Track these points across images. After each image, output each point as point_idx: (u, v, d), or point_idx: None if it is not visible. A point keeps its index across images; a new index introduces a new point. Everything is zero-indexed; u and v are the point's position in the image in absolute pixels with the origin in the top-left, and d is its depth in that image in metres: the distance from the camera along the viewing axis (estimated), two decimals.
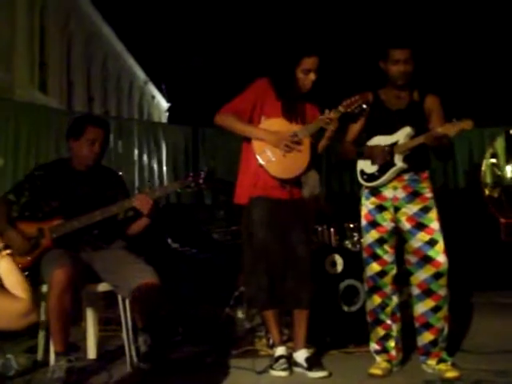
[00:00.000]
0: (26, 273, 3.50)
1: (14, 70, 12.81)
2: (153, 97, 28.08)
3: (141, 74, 25.72)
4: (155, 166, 7.36)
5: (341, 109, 3.59)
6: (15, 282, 1.85)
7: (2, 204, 3.67)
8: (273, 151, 3.59)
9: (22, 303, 1.81)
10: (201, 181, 3.65)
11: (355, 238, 4.93)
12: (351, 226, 4.96)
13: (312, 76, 3.63)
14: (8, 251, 1.88)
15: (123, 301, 3.59)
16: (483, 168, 7.24)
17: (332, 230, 4.91)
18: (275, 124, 3.64)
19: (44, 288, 3.43)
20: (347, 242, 4.95)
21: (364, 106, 3.61)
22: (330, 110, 3.60)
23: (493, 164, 7.34)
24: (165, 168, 7.41)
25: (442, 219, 3.57)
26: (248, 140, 3.68)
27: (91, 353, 3.86)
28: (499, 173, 7.28)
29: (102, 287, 3.62)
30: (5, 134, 6.09)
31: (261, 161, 3.60)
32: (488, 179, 7.28)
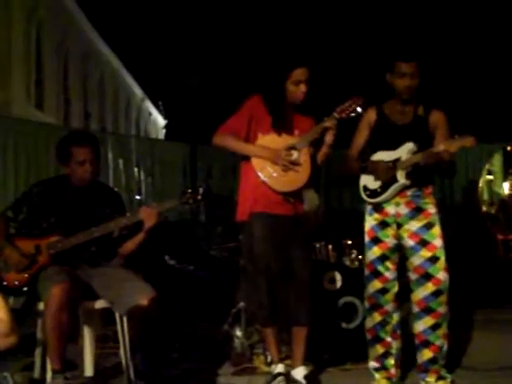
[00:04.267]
0: (25, 288, 3.50)
1: (10, 87, 12.83)
2: (150, 114, 28.14)
3: (138, 92, 25.78)
4: (153, 183, 7.35)
5: (335, 115, 3.59)
6: None
7: (0, 221, 3.66)
8: (273, 166, 3.58)
9: (2, 324, 1.77)
10: (199, 197, 3.64)
11: (353, 255, 4.91)
12: (349, 242, 4.95)
13: (303, 87, 3.61)
14: None
15: (121, 318, 3.56)
16: (480, 184, 7.23)
17: (330, 246, 4.90)
18: (272, 140, 3.63)
19: (41, 305, 3.40)
20: (345, 259, 4.93)
21: (359, 110, 3.59)
22: (326, 119, 3.60)
23: (490, 181, 7.33)
24: (162, 184, 7.40)
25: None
26: (246, 158, 3.68)
27: (88, 370, 3.81)
28: (496, 189, 7.27)
29: (100, 304, 3.59)
30: (3, 152, 6.08)
31: (262, 177, 3.59)
32: (485, 195, 7.27)
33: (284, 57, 3.78)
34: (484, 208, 7.19)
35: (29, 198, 3.71)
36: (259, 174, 3.59)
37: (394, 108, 3.68)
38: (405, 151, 3.54)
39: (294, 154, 3.58)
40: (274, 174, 3.59)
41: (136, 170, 7.28)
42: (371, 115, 3.71)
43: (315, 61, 3.71)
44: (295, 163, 3.57)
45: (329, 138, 3.62)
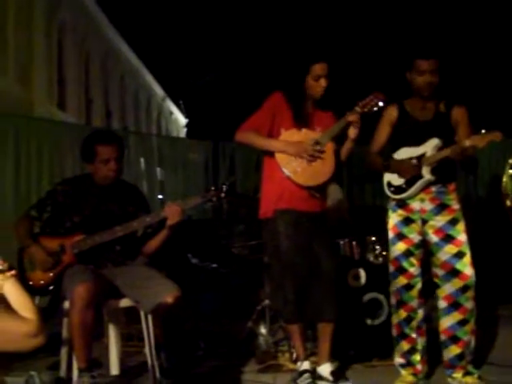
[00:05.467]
0: (51, 287, 3.52)
1: (32, 88, 12.89)
2: (171, 113, 28.20)
3: (159, 91, 25.85)
4: (175, 181, 7.36)
5: (357, 109, 3.57)
6: (22, 303, 1.82)
7: (24, 220, 3.68)
8: (297, 161, 3.57)
9: (30, 324, 1.78)
10: (222, 194, 3.63)
11: (377, 251, 4.88)
12: (373, 238, 4.91)
13: (323, 82, 3.61)
14: (13, 272, 1.84)
15: (145, 316, 3.57)
16: (504, 179, 7.14)
17: (354, 243, 4.87)
18: (295, 134, 3.63)
19: (66, 304, 3.42)
20: (369, 255, 4.90)
21: (381, 104, 3.58)
22: (348, 113, 3.59)
23: None
24: (184, 183, 7.40)
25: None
26: (270, 154, 3.67)
27: (114, 369, 3.84)
28: None
29: (124, 303, 3.60)
30: (27, 152, 6.11)
31: (287, 173, 3.58)
32: (509, 190, 7.18)
33: (304, 52, 3.78)
34: (508, 203, 7.09)
35: (53, 197, 3.73)
36: (283, 169, 3.58)
37: (415, 105, 3.66)
38: (430, 147, 3.53)
39: (319, 148, 3.58)
40: (299, 169, 3.57)
41: (158, 169, 7.29)
42: (392, 112, 3.69)
43: (334, 57, 3.68)
44: (321, 151, 3.56)
45: (352, 132, 3.60)
